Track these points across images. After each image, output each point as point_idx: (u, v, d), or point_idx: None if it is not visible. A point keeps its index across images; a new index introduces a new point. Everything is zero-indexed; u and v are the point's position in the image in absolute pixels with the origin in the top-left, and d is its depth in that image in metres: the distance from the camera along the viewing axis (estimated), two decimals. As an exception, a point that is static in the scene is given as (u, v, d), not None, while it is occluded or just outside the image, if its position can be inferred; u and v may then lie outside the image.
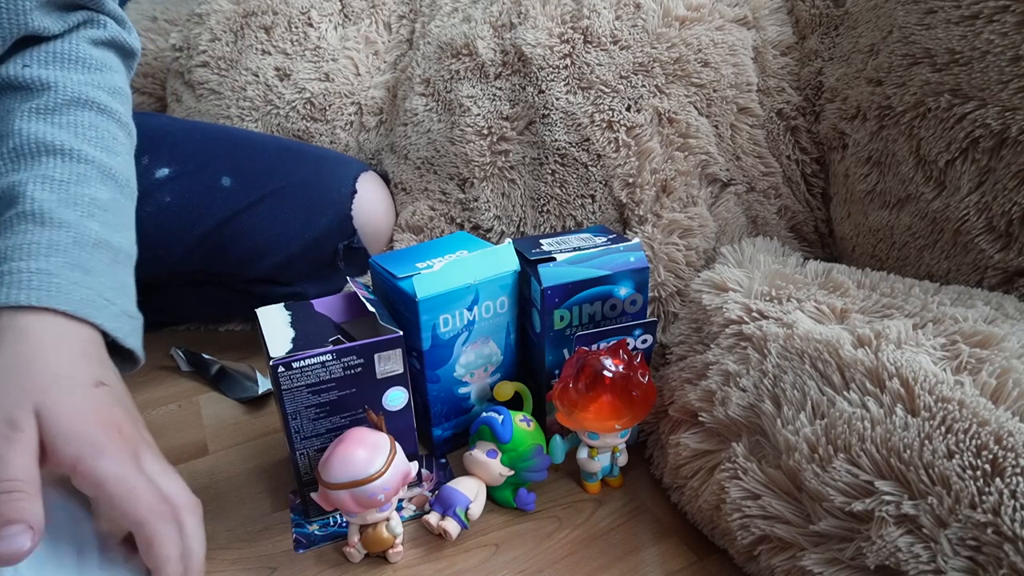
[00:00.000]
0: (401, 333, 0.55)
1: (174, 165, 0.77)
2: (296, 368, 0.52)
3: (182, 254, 0.77)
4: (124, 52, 0.60)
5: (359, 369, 0.54)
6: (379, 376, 0.55)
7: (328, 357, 0.53)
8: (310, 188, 0.81)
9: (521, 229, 0.82)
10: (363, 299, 0.58)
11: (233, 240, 0.77)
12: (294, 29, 0.96)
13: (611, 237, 0.67)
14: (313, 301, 0.62)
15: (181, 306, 0.86)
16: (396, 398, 0.57)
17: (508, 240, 0.69)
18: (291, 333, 0.55)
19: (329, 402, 0.54)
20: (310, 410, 0.54)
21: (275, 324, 0.57)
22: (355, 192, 0.82)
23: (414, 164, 0.88)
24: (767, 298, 0.58)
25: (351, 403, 0.55)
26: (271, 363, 0.51)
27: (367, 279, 0.84)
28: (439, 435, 0.66)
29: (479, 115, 0.82)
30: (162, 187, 0.76)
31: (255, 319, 0.58)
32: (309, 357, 0.52)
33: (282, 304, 0.61)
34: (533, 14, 0.81)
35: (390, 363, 0.55)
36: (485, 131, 0.82)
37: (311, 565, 0.55)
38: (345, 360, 0.53)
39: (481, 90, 0.83)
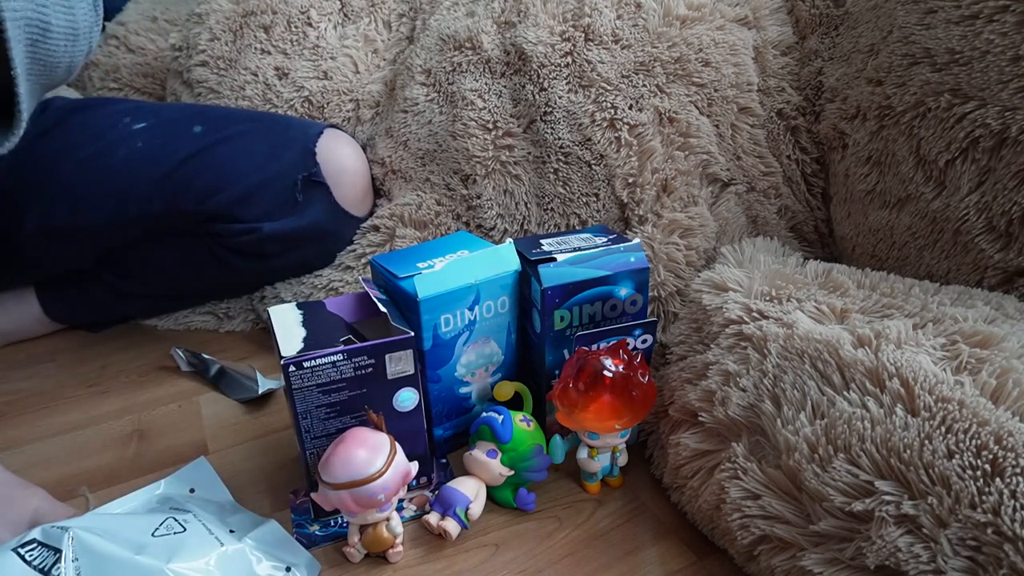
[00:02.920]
0: (412, 334, 0.55)
1: (151, 119, 0.82)
2: (307, 367, 0.52)
3: (149, 190, 0.77)
4: None
5: (370, 369, 0.54)
6: (390, 377, 0.55)
7: (339, 357, 0.53)
8: (278, 129, 0.84)
9: (525, 227, 0.82)
10: (375, 299, 0.58)
11: (198, 172, 0.78)
12: (293, 28, 0.96)
13: (611, 237, 0.67)
14: (325, 301, 0.62)
15: (146, 269, 0.86)
16: (407, 399, 0.57)
17: (509, 240, 0.69)
18: (302, 332, 0.56)
19: (340, 402, 0.54)
20: (320, 410, 0.54)
21: (287, 323, 0.57)
22: (321, 133, 0.84)
23: (415, 154, 0.88)
24: (767, 298, 0.58)
25: (362, 403, 0.55)
26: (282, 362, 0.51)
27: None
28: (439, 435, 0.66)
29: (484, 109, 0.82)
30: (136, 135, 0.79)
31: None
32: (320, 357, 0.52)
33: (294, 303, 0.61)
34: (534, 12, 0.81)
35: (401, 364, 0.55)
36: (490, 125, 0.82)
37: (311, 565, 0.55)
38: (356, 360, 0.53)
39: (485, 84, 0.83)
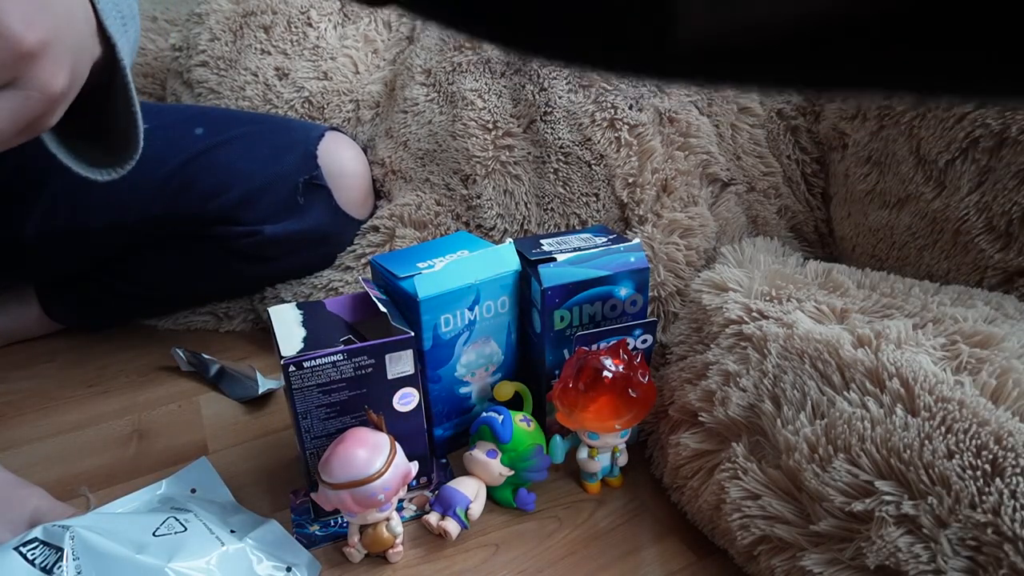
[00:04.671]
0: (412, 334, 0.55)
1: (152, 122, 0.81)
2: (307, 367, 0.52)
3: (151, 193, 0.77)
4: None
5: (370, 369, 0.54)
6: (390, 377, 0.55)
7: (339, 357, 0.53)
8: (279, 131, 0.84)
9: (525, 227, 0.82)
10: (375, 299, 0.59)
11: (200, 174, 0.78)
12: (293, 29, 0.96)
13: (611, 237, 0.67)
14: (325, 301, 0.62)
15: (147, 271, 0.86)
16: (407, 399, 0.57)
17: (509, 240, 0.69)
18: (302, 332, 0.56)
19: (340, 402, 0.54)
20: (320, 410, 0.54)
21: (287, 323, 0.57)
22: (323, 136, 0.84)
23: (414, 154, 0.88)
24: (767, 298, 0.58)
25: (362, 403, 0.55)
26: (282, 362, 0.51)
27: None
28: (439, 435, 0.66)
29: (484, 109, 0.82)
30: None
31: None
32: (320, 357, 0.52)
33: (294, 303, 0.61)
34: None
35: (401, 364, 0.55)
36: (490, 125, 0.82)
37: (311, 565, 0.55)
38: (356, 360, 0.53)
39: (485, 84, 0.83)
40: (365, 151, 0.91)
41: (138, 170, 0.78)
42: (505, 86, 0.82)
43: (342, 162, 0.84)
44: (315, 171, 0.82)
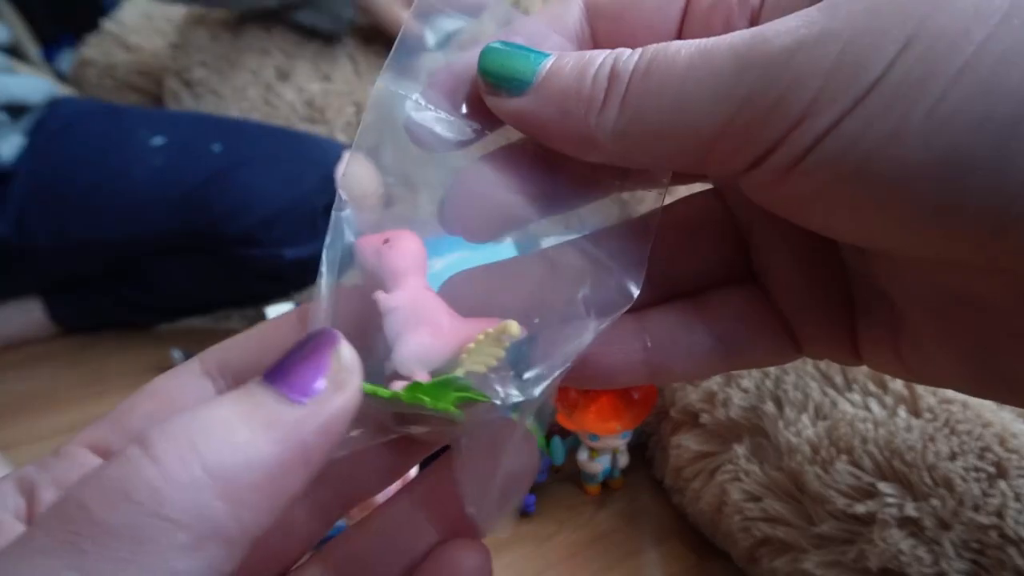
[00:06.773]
0: None
1: (168, 135, 0.82)
2: None
3: (168, 211, 0.78)
4: None
5: None
6: None
7: None
8: (298, 152, 0.84)
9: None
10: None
11: (218, 194, 0.78)
12: (294, 28, 0.96)
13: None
14: None
15: (163, 281, 0.86)
16: None
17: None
18: None
19: None
20: None
21: None
22: (339, 158, 0.84)
23: (415, 156, 0.88)
24: (768, 299, 0.58)
25: None
26: None
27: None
28: (439, 436, 0.65)
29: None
30: (155, 153, 0.80)
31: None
32: None
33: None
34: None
35: None
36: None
37: (310, 567, 0.55)
38: None
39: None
40: None
41: (156, 185, 0.79)
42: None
43: (363, 184, 0.84)
44: (335, 195, 0.82)
